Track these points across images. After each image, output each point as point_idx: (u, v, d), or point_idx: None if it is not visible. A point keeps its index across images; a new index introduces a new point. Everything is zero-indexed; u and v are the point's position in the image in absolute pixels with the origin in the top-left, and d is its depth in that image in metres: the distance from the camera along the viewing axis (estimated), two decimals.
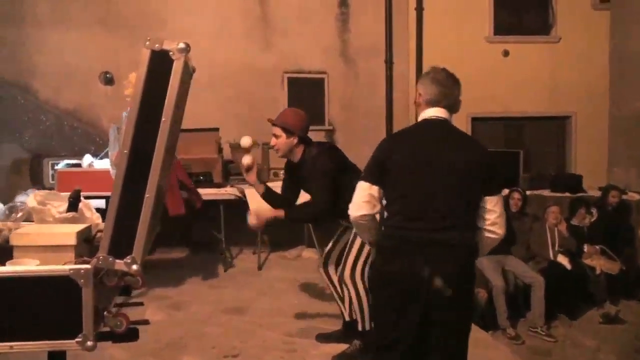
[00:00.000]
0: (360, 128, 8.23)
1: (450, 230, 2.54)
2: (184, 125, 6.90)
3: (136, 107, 1.87)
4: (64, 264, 1.97)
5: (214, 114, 7.53)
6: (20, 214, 2.36)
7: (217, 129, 6.25)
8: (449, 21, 8.73)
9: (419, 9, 8.58)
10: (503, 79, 8.90)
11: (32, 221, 2.39)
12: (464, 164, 2.57)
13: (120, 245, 1.88)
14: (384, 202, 2.70)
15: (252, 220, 3.88)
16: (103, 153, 5.13)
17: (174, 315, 4.82)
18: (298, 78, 8.08)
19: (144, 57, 1.87)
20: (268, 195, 4.05)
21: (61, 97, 7.02)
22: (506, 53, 9.00)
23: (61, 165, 4.71)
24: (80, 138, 6.43)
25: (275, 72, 7.96)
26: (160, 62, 1.87)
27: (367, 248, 3.67)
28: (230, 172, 6.59)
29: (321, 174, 3.69)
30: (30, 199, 2.28)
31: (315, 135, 8.08)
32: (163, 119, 1.87)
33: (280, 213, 3.77)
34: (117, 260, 1.90)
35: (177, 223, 5.25)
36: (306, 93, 8.11)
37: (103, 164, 4.75)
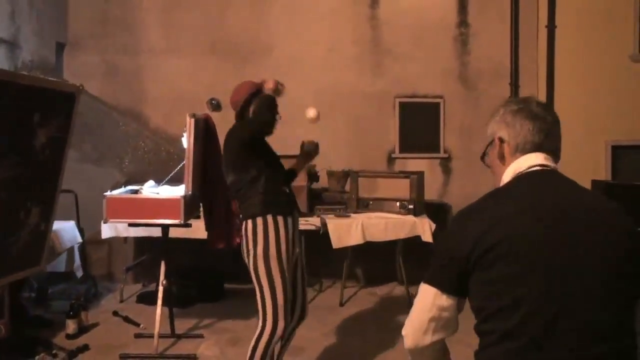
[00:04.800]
0: (479, 157, 7.59)
1: None
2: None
3: None
4: None
5: (320, 139, 7.32)
6: None
7: None
8: (586, 39, 7.81)
9: (551, 26, 7.81)
10: None
11: None
12: (608, 243, 1.61)
13: None
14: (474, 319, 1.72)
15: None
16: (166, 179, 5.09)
17: (226, 352, 4.61)
18: (411, 103, 7.64)
19: None
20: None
21: (171, 123, 7.20)
22: None
23: (120, 191, 4.72)
24: (176, 164, 6.52)
25: (387, 96, 7.59)
26: None
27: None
28: (323, 201, 6.31)
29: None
30: None
31: (430, 163, 7.63)
32: None
33: None
34: None
35: None
36: (420, 118, 7.65)
37: (162, 191, 4.69)
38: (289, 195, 3.65)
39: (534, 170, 1.74)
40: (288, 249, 3.47)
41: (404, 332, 1.80)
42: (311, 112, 3.75)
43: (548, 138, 1.77)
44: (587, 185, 6.68)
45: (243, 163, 3.45)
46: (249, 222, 3.45)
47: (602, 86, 7.76)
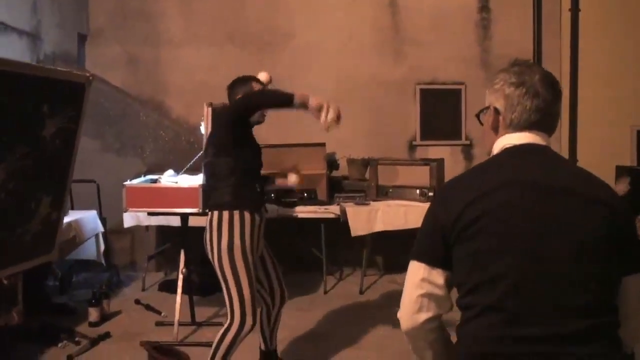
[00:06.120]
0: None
1: (589, 339, 1.52)
2: (298, 140, 6.70)
3: None
4: None
5: (341, 128, 7.30)
6: None
7: (323, 144, 6.01)
8: (612, 22, 7.67)
9: (575, 9, 7.68)
10: None
11: None
12: (590, 221, 1.57)
13: None
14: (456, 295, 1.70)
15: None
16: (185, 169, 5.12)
17: (245, 339, 4.64)
18: (432, 89, 7.58)
19: None
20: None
21: (191, 113, 7.24)
22: None
23: (139, 180, 4.76)
24: (197, 153, 6.56)
25: (407, 83, 7.54)
26: None
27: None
28: (343, 189, 6.30)
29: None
30: None
31: (451, 150, 7.58)
32: None
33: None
34: None
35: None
36: (441, 105, 7.59)
37: (181, 180, 4.73)
38: (259, 193, 3.60)
39: (523, 146, 1.72)
40: (253, 244, 3.41)
41: (398, 315, 1.77)
42: (292, 178, 3.78)
43: (544, 117, 1.74)
44: (612, 170, 6.58)
45: (225, 147, 3.40)
46: (215, 213, 3.41)
47: (627, 70, 7.62)
